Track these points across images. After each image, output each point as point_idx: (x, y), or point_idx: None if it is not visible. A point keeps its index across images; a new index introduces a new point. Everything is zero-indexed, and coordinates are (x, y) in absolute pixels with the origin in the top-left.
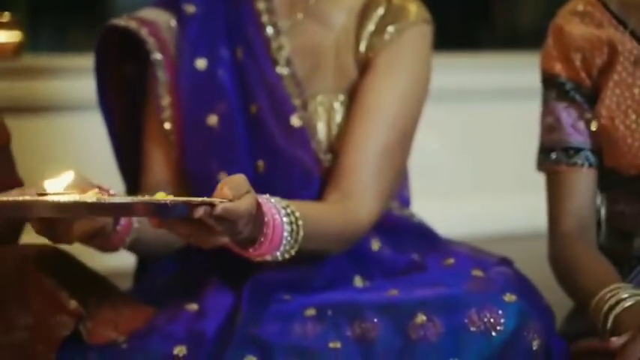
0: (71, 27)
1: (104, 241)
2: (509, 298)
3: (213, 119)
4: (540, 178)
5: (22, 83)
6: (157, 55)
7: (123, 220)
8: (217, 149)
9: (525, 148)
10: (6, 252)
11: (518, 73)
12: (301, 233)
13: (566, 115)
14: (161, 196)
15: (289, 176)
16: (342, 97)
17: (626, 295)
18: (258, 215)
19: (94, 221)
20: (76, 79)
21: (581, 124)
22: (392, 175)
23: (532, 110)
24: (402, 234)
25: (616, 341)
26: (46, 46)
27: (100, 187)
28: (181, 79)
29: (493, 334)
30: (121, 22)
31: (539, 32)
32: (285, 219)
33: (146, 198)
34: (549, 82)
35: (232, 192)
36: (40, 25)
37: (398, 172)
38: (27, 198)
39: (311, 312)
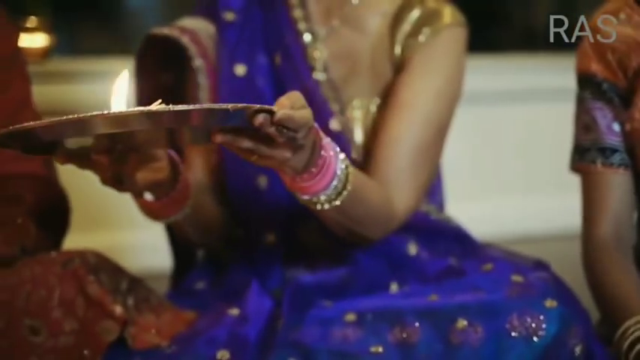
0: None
1: (166, 203)
2: (551, 303)
3: None
4: (563, 179)
5: (51, 87)
6: (198, 62)
7: (181, 184)
8: None
9: (543, 148)
10: (50, 257)
11: (535, 75)
12: (349, 188)
13: (602, 115)
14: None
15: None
16: (378, 101)
17: None
18: (315, 142)
19: (156, 172)
20: (106, 83)
21: (617, 125)
22: (427, 171)
23: (550, 111)
24: (440, 238)
25: None
26: (71, 50)
27: None
28: (221, 85)
29: (535, 339)
30: (162, 31)
31: (557, 34)
32: (339, 161)
33: (208, 105)
34: (585, 81)
35: (290, 101)
36: (66, 29)
37: (433, 169)
38: (85, 114)
39: (351, 317)
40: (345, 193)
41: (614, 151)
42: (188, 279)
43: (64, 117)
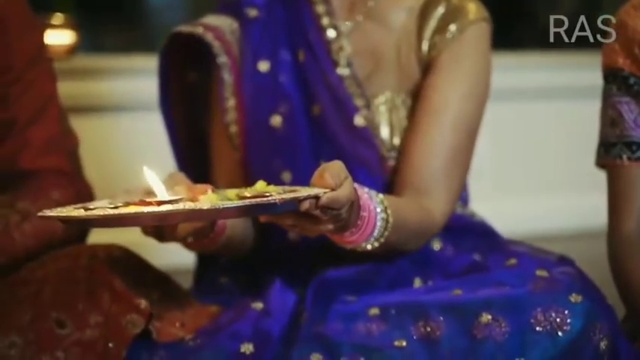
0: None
1: (204, 241)
2: (575, 298)
3: (276, 120)
4: (586, 177)
5: (75, 83)
6: (223, 58)
7: (219, 226)
8: (280, 149)
9: (568, 146)
10: (76, 251)
11: (559, 72)
12: (391, 221)
13: (628, 109)
14: (262, 186)
15: (353, 176)
16: (403, 97)
17: None
18: (354, 201)
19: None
20: (133, 79)
21: None
22: (461, 175)
23: (576, 109)
24: (464, 233)
25: None
26: (96, 46)
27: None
28: (245, 81)
29: (559, 334)
30: (186, 28)
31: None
32: (378, 207)
33: (255, 200)
34: (611, 76)
35: (334, 180)
36: (90, 27)
37: (466, 171)
38: (131, 211)
39: (375, 311)
40: (386, 233)
41: None
42: (211, 274)
43: (118, 211)
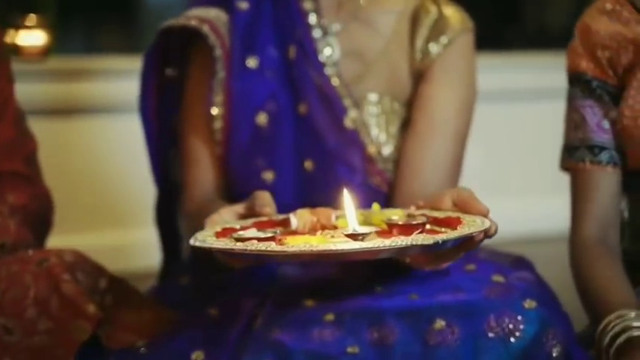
0: (101, 29)
1: None
2: (530, 304)
3: (262, 118)
4: (567, 180)
5: (50, 86)
6: (218, 51)
7: None
8: (264, 148)
9: (554, 148)
10: (27, 256)
11: (548, 73)
12: None
13: (592, 113)
14: (377, 208)
15: (338, 177)
16: (396, 105)
17: (635, 324)
18: None
19: None
20: (105, 81)
21: (606, 123)
22: (457, 180)
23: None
24: None
25: None
26: (77, 48)
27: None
28: (234, 76)
29: (512, 340)
30: (179, 22)
31: (570, 32)
32: None
33: (418, 241)
34: (575, 79)
35: (485, 207)
36: (71, 28)
37: (460, 176)
38: (338, 247)
39: (330, 317)
40: None
41: (603, 149)
42: (172, 272)
43: (324, 248)
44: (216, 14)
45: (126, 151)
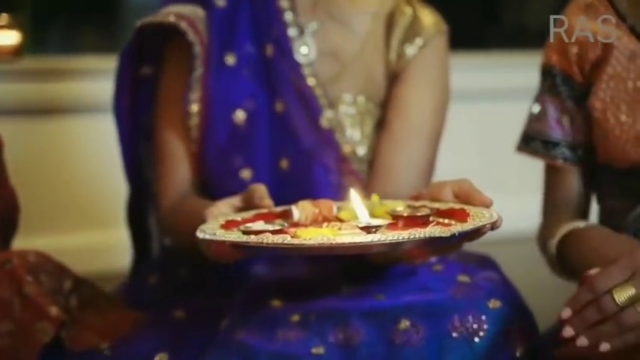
0: (78, 29)
1: None
2: (494, 304)
3: (240, 115)
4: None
5: (24, 85)
6: (197, 48)
7: None
8: (242, 146)
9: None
10: None
11: (526, 73)
12: None
13: (553, 108)
14: (377, 199)
15: (313, 176)
16: (371, 106)
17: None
18: None
19: None
20: (81, 81)
21: (566, 120)
22: (430, 180)
23: None
24: None
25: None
26: (53, 48)
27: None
28: (211, 73)
29: (476, 340)
30: (156, 18)
31: (548, 31)
32: None
33: (436, 233)
34: (545, 72)
35: (483, 195)
36: (47, 28)
37: (432, 180)
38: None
39: (295, 318)
40: None
41: (556, 144)
42: (141, 271)
43: (342, 240)
44: (191, 10)
45: (102, 151)
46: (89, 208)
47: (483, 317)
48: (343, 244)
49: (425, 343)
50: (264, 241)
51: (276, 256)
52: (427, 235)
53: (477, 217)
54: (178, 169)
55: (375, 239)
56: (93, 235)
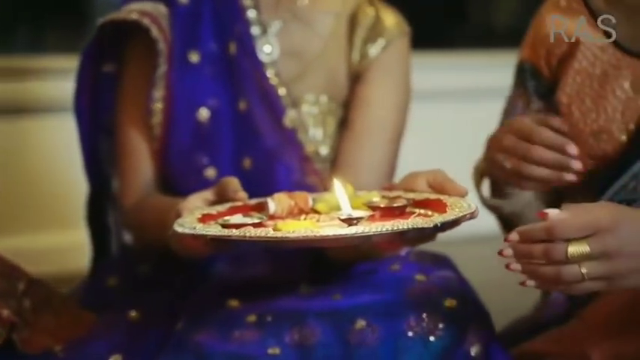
0: (44, 28)
1: None
2: (450, 302)
3: (203, 113)
4: None
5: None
6: (161, 45)
7: None
8: (206, 145)
9: None
10: None
11: (493, 72)
12: None
13: (521, 103)
14: (351, 190)
15: (275, 175)
16: (333, 106)
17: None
18: None
19: None
20: (46, 80)
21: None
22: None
23: None
24: None
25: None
26: (18, 47)
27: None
28: (174, 71)
29: (431, 339)
30: (119, 15)
31: (515, 31)
32: None
33: (418, 224)
34: (519, 67)
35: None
36: (12, 27)
37: (393, 179)
38: (330, 232)
39: (252, 319)
40: None
41: None
42: (99, 271)
43: (321, 234)
44: (154, 7)
45: (64, 151)
46: (50, 208)
47: (439, 316)
48: (328, 236)
49: (380, 342)
50: (247, 234)
51: (247, 252)
52: (410, 226)
53: (456, 207)
54: (141, 166)
55: (359, 231)
56: (53, 235)
